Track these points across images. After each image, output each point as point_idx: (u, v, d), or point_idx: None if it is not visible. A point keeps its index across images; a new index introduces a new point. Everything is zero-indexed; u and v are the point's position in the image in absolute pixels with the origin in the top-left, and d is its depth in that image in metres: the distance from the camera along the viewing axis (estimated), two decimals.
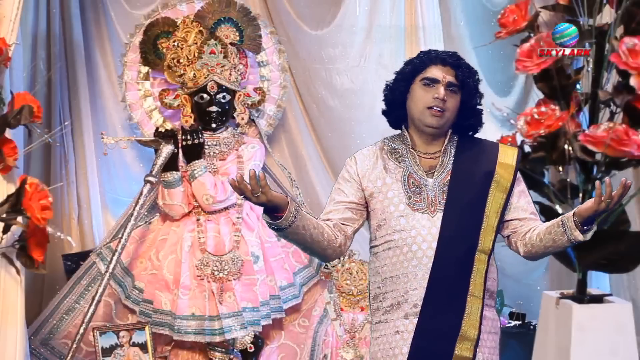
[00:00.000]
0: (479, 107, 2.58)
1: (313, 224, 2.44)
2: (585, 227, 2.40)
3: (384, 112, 2.63)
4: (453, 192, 2.50)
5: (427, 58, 2.53)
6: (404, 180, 2.52)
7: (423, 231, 2.47)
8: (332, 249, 2.51)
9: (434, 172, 2.54)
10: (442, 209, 2.48)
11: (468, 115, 2.55)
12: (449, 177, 2.52)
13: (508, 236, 2.59)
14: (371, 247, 2.59)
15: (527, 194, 2.61)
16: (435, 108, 2.48)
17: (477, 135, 2.68)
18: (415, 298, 2.47)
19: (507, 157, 2.58)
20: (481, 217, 2.50)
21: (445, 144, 2.56)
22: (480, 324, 2.48)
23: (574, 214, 2.40)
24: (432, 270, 2.45)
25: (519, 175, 2.58)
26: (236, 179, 2.27)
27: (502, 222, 2.55)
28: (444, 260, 2.45)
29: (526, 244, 2.54)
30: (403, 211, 2.49)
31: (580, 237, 2.40)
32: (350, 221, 2.55)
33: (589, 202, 2.35)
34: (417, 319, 2.46)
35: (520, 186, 2.59)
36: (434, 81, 2.49)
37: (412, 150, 2.56)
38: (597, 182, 2.34)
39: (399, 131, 2.64)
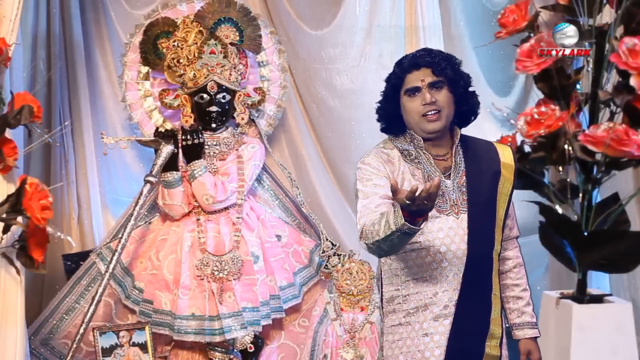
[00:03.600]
0: (470, 89, 2.58)
1: None
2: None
3: (384, 130, 2.64)
4: (472, 193, 2.53)
5: (401, 70, 2.55)
6: (426, 182, 2.52)
7: (451, 232, 2.49)
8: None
9: (450, 174, 2.56)
10: (465, 209, 2.51)
11: (462, 101, 2.56)
12: (464, 178, 2.55)
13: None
14: None
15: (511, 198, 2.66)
16: (428, 114, 2.50)
17: (477, 135, 2.70)
18: (445, 300, 2.48)
19: (506, 156, 2.62)
20: (494, 216, 2.55)
21: (455, 145, 2.58)
22: (502, 321, 2.55)
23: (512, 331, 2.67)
24: (465, 271, 2.48)
25: None
26: (411, 189, 2.14)
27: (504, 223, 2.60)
28: (473, 261, 2.49)
29: (502, 275, 2.67)
30: (430, 213, 2.47)
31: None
32: None
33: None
34: (447, 320, 2.48)
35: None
36: (415, 90, 2.51)
37: (426, 153, 2.57)
38: None
39: None
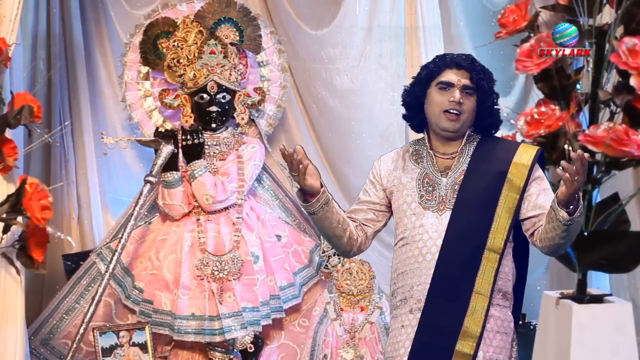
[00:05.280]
0: (495, 107, 2.64)
1: (339, 220, 2.57)
2: (571, 208, 2.38)
3: (405, 117, 2.71)
4: (464, 191, 2.56)
5: (442, 62, 2.61)
6: (419, 180, 2.61)
7: (430, 229, 2.54)
8: (352, 246, 2.65)
9: (448, 172, 2.60)
10: (451, 207, 2.54)
11: (484, 116, 2.62)
12: (462, 177, 2.58)
13: (532, 234, 2.60)
14: (394, 246, 2.68)
15: (550, 192, 2.61)
16: (451, 111, 2.55)
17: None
18: (419, 294, 2.53)
19: (523, 157, 2.61)
20: (492, 216, 2.54)
21: (462, 145, 2.62)
22: (485, 322, 2.50)
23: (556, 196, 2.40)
24: (436, 267, 2.51)
25: (540, 173, 2.62)
26: (287, 151, 2.43)
27: (516, 221, 2.57)
28: (448, 258, 2.51)
29: (541, 240, 2.53)
30: (415, 209, 2.57)
31: (566, 215, 2.37)
32: (371, 222, 2.67)
33: (562, 187, 2.35)
34: (420, 313, 2.52)
35: (542, 184, 2.61)
36: (449, 85, 2.57)
37: (430, 151, 2.64)
38: (560, 167, 2.33)
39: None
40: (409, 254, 2.56)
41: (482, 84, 2.58)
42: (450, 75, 2.57)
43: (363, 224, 2.66)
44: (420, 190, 2.58)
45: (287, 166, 2.46)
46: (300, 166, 2.44)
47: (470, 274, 2.52)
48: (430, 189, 2.58)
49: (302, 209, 2.58)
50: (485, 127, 2.66)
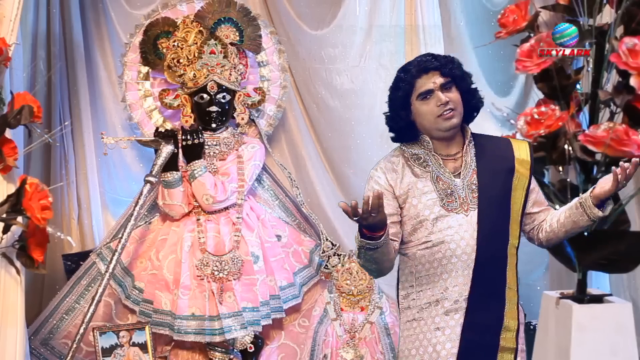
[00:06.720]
0: (472, 86, 2.66)
1: (390, 242, 2.53)
2: (602, 206, 2.57)
3: (395, 139, 2.70)
4: (482, 190, 2.60)
5: (410, 76, 2.60)
6: (434, 184, 2.61)
7: (460, 230, 2.56)
8: (391, 266, 2.59)
9: (459, 173, 2.62)
10: (475, 207, 2.58)
11: (470, 97, 2.64)
12: (475, 176, 2.62)
13: (532, 228, 2.72)
14: (402, 249, 2.65)
15: (539, 188, 2.74)
16: (444, 113, 2.56)
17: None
18: (455, 295, 2.56)
19: (521, 152, 2.68)
20: (508, 212, 2.61)
21: (466, 145, 2.65)
22: (518, 314, 2.62)
23: (590, 195, 2.56)
24: (475, 266, 2.55)
25: None
26: (350, 205, 2.26)
27: (524, 215, 2.66)
28: (484, 256, 2.56)
29: (547, 231, 2.68)
30: (438, 213, 2.58)
31: (600, 213, 2.56)
32: (396, 236, 2.62)
33: (606, 186, 2.51)
34: (458, 314, 2.56)
35: (534, 181, 2.70)
36: (428, 92, 2.58)
37: (435, 154, 2.64)
38: (619, 165, 2.47)
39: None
40: (438, 255, 2.57)
41: (453, 73, 2.59)
42: (424, 83, 2.58)
43: (392, 239, 2.59)
44: (439, 194, 2.59)
45: (360, 217, 2.28)
46: (380, 202, 2.29)
47: (502, 270, 2.59)
48: (448, 191, 2.59)
49: (367, 247, 2.41)
50: (471, 109, 2.66)
